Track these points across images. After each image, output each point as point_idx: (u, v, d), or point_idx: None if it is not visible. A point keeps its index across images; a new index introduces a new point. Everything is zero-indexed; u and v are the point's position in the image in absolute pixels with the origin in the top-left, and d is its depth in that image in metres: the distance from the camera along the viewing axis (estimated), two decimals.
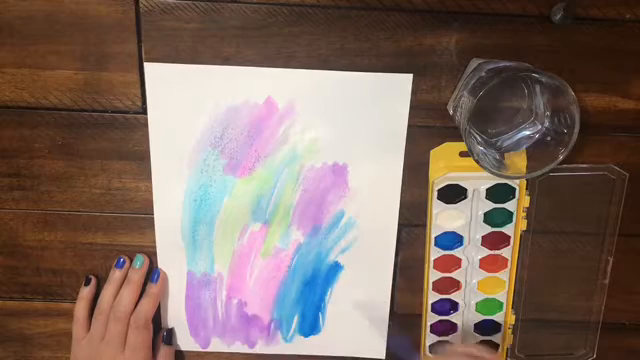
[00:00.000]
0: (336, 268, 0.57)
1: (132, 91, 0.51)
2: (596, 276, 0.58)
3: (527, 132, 0.50)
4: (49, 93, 0.52)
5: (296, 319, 0.59)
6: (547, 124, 0.49)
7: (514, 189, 0.54)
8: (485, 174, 0.52)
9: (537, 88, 0.49)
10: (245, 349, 0.61)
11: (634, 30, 0.50)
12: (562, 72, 0.50)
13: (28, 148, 0.53)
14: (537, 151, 0.49)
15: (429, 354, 0.59)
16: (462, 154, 0.53)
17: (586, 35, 0.50)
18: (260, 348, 0.60)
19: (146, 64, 0.50)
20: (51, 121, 0.53)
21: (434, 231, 0.55)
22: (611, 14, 0.49)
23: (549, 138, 0.48)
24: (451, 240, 0.56)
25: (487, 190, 0.54)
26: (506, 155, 0.50)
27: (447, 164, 0.54)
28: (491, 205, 0.54)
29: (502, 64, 0.47)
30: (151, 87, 0.51)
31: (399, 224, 0.56)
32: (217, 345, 0.60)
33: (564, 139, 0.46)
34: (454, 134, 0.52)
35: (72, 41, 0.50)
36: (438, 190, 0.54)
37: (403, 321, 0.59)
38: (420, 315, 0.59)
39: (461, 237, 0.56)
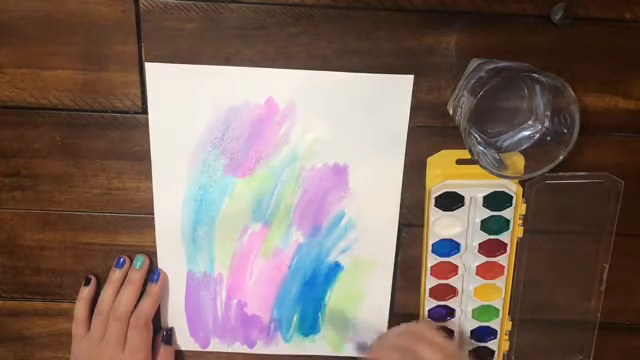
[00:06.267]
0: (336, 268, 0.57)
1: (132, 91, 0.51)
2: (593, 281, 0.58)
3: (527, 132, 0.50)
4: (49, 93, 0.52)
5: (296, 319, 0.59)
6: (547, 124, 0.49)
7: (511, 197, 0.54)
8: (482, 182, 0.53)
9: (537, 88, 0.49)
10: (245, 349, 0.61)
11: (634, 30, 0.50)
12: (562, 72, 0.50)
13: (28, 148, 0.53)
14: (537, 151, 0.49)
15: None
16: (459, 162, 0.53)
17: (586, 35, 0.50)
18: (260, 348, 0.60)
19: (146, 64, 0.50)
20: (51, 121, 0.53)
21: (431, 238, 0.55)
22: (611, 14, 0.49)
23: (549, 138, 0.48)
24: (448, 247, 0.56)
25: (484, 198, 0.54)
26: (506, 155, 0.50)
27: (444, 172, 0.54)
28: (488, 213, 0.54)
29: (502, 64, 0.47)
30: (151, 87, 0.51)
31: (399, 224, 0.56)
32: (217, 345, 0.60)
33: (564, 139, 0.46)
34: (454, 134, 0.52)
35: (72, 41, 0.50)
36: (435, 197, 0.54)
37: (403, 321, 0.59)
38: (419, 315, 0.59)
39: (458, 244, 0.56)
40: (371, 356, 0.54)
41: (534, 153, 0.49)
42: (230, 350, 0.61)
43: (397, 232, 0.56)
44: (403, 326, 0.56)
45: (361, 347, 0.58)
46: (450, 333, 0.59)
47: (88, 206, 0.56)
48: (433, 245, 0.56)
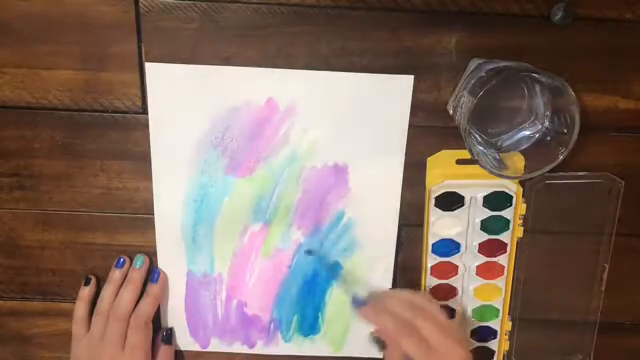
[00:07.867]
0: (336, 268, 0.57)
1: (132, 91, 0.51)
2: (593, 281, 0.58)
3: (527, 132, 0.50)
4: (49, 93, 0.52)
5: (296, 319, 0.59)
6: (547, 124, 0.49)
7: (511, 197, 0.54)
8: (482, 182, 0.53)
9: (537, 88, 0.49)
10: (245, 349, 0.60)
11: (634, 30, 0.50)
12: (562, 72, 0.50)
13: (28, 148, 0.53)
14: (537, 151, 0.49)
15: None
16: (459, 162, 0.53)
17: (586, 35, 0.50)
18: (260, 348, 0.60)
19: (146, 64, 0.50)
20: (51, 121, 0.53)
21: (431, 238, 0.55)
22: (611, 14, 0.50)
23: (549, 138, 0.48)
24: (448, 247, 0.56)
25: (484, 198, 0.54)
26: (506, 155, 0.50)
27: (444, 172, 0.54)
28: (488, 213, 0.54)
29: (502, 64, 0.47)
30: (151, 87, 0.51)
31: (399, 224, 0.56)
32: (217, 345, 0.60)
33: (564, 139, 0.46)
34: (454, 134, 0.52)
35: (72, 41, 0.50)
36: (435, 197, 0.54)
37: None
38: None
39: (458, 244, 0.56)
40: (366, 316, 0.52)
41: (534, 153, 0.49)
42: (230, 350, 0.61)
43: (397, 232, 0.56)
44: (405, 293, 0.53)
45: (357, 302, 0.53)
46: (451, 312, 0.58)
47: (88, 206, 0.56)
48: (433, 245, 0.56)
